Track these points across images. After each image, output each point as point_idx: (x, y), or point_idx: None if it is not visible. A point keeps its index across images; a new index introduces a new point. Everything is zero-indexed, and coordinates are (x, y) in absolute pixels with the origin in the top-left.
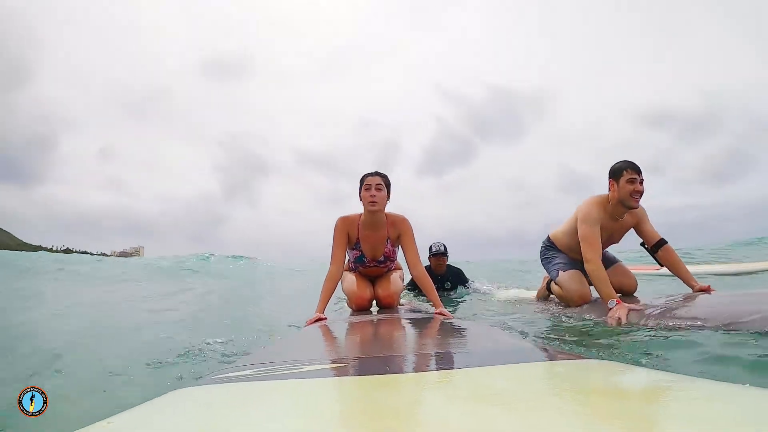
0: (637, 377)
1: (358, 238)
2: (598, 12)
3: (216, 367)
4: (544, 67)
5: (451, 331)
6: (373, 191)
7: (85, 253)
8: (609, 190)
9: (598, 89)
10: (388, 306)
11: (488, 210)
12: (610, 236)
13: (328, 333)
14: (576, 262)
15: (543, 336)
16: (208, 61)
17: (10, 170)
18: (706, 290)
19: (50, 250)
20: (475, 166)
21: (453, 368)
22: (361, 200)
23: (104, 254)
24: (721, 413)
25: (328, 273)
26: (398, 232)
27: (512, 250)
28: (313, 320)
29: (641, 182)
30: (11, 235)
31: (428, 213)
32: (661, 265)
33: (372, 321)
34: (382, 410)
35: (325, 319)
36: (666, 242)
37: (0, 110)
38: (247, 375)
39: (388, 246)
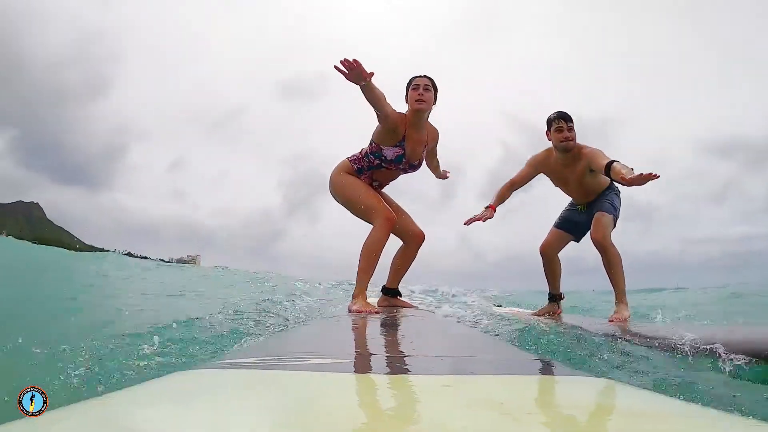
0: (635, 398)
1: (404, 136)
2: (667, 38)
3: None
4: (610, 94)
5: (455, 336)
6: (422, 90)
7: (146, 258)
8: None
9: (664, 117)
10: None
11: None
12: (565, 181)
13: (339, 328)
14: (571, 211)
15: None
16: (286, 82)
17: (80, 174)
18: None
19: (113, 252)
20: (536, 191)
21: (453, 374)
22: (407, 102)
23: (162, 260)
24: None
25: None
26: (433, 142)
27: (566, 279)
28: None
29: (569, 129)
30: (71, 234)
31: (484, 238)
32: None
33: (384, 318)
34: (376, 409)
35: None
36: (613, 162)
37: (78, 118)
38: (250, 362)
39: (424, 153)
